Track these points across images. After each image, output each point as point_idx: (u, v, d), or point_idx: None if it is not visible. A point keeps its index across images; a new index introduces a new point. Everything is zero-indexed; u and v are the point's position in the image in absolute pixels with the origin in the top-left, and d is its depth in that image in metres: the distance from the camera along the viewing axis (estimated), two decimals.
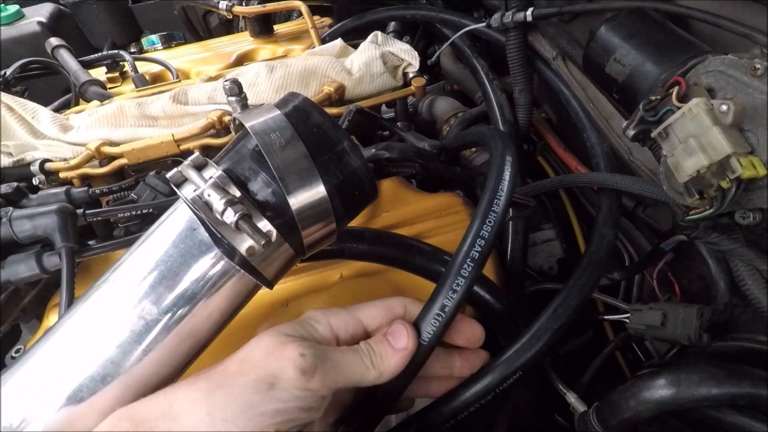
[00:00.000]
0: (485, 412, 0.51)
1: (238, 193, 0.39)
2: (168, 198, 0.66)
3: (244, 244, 0.38)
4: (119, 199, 0.71)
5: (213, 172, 0.40)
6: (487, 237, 0.47)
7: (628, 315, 0.66)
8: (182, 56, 1.05)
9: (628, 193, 0.70)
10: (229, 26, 1.30)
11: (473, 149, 0.88)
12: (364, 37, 0.86)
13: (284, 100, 0.44)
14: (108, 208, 0.65)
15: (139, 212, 0.65)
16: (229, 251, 0.39)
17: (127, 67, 0.98)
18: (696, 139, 0.46)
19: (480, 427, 0.58)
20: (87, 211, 0.63)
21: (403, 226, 0.66)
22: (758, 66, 0.44)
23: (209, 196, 0.38)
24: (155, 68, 1.01)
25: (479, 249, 0.46)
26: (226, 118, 0.74)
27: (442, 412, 0.49)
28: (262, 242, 0.37)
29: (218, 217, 0.37)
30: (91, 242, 0.70)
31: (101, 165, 0.74)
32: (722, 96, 0.46)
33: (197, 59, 1.03)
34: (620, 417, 0.50)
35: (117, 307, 0.40)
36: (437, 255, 0.58)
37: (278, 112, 0.42)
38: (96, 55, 1.03)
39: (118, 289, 0.41)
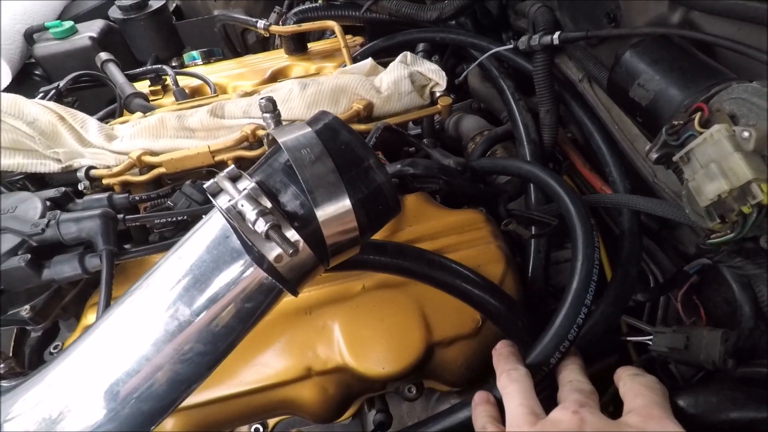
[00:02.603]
0: None
1: (269, 204, 0.41)
2: (201, 206, 0.69)
3: (273, 252, 0.41)
4: (156, 205, 0.75)
5: (247, 183, 0.42)
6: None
7: (651, 337, 0.65)
8: (220, 71, 1.10)
9: (652, 215, 0.69)
10: (265, 43, 1.36)
11: None
12: (395, 57, 0.89)
13: (315, 118, 0.46)
14: (146, 214, 0.69)
15: (174, 219, 0.68)
16: (259, 258, 0.42)
17: (169, 81, 1.03)
18: (717, 165, 0.46)
19: None
20: (126, 216, 0.67)
21: (426, 240, 0.68)
22: None
23: (242, 206, 0.40)
24: (195, 82, 1.06)
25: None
26: (260, 132, 0.77)
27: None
28: (290, 251, 0.39)
29: (250, 226, 0.40)
30: (127, 246, 0.74)
31: (141, 173, 0.78)
32: (744, 123, 0.47)
33: (234, 75, 1.08)
34: None
35: (153, 308, 0.43)
36: (457, 270, 0.59)
37: (309, 129, 0.44)
38: (140, 69, 1.09)
39: (154, 291, 0.44)
